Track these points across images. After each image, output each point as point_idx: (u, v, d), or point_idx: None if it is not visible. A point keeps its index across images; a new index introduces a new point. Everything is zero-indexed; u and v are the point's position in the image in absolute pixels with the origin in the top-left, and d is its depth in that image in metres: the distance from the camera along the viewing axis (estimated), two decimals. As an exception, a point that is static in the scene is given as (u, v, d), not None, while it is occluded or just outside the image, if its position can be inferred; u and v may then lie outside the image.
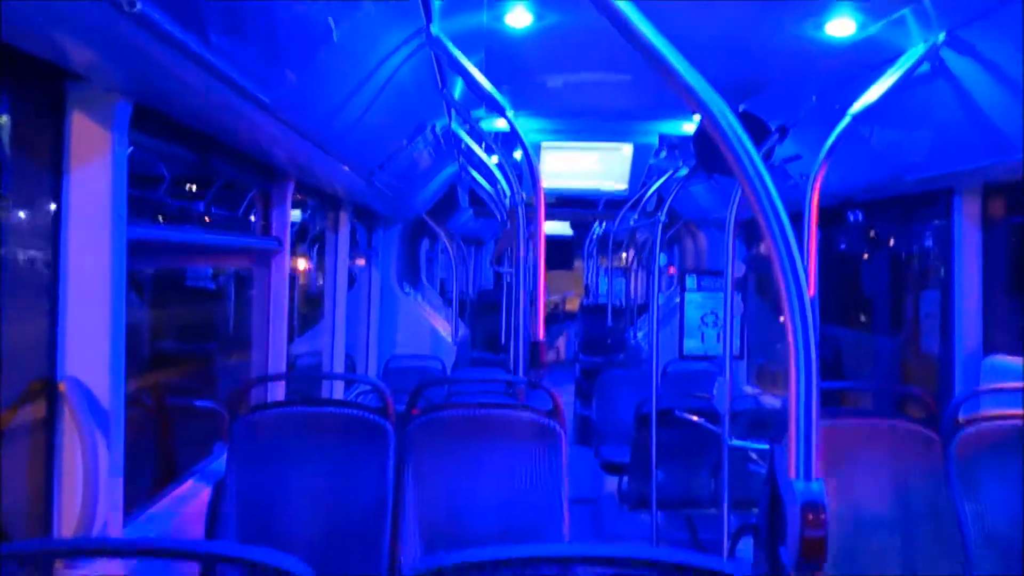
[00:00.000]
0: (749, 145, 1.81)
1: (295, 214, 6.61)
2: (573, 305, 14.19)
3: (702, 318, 5.30)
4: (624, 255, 13.69)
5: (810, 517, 1.56)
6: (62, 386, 2.32)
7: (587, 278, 15.23)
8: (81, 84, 2.35)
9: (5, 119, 2.81)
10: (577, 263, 16.49)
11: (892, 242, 5.58)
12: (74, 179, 2.39)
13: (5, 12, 1.80)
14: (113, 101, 2.39)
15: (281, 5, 2.55)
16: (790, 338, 1.64)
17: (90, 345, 2.36)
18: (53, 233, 2.37)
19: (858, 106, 3.78)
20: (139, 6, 1.83)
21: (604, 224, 13.22)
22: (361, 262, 7.65)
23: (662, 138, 6.08)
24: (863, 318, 5.83)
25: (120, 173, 2.43)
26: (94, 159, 2.40)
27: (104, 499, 2.34)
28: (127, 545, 1.90)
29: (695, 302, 5.35)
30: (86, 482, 2.27)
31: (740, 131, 1.79)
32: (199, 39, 2.22)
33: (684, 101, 1.87)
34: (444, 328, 8.39)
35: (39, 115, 2.36)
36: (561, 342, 15.60)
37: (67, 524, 2.33)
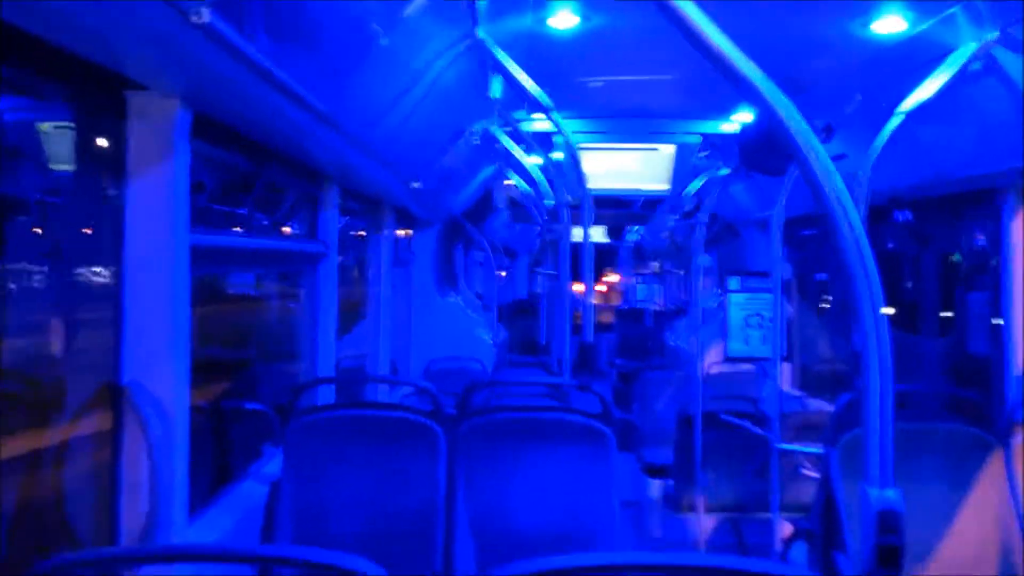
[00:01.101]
0: (813, 138, 1.80)
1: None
2: (605, 317, 14.04)
3: (746, 319, 5.25)
4: (656, 263, 13.68)
5: (886, 525, 1.54)
6: (127, 391, 2.36)
7: (621, 284, 15.22)
8: (143, 93, 2.38)
9: (47, 127, 2.86)
10: (607, 270, 16.45)
11: (940, 242, 5.50)
12: (136, 186, 2.43)
13: (68, 21, 1.84)
14: (174, 109, 2.43)
15: (333, 13, 2.58)
16: (863, 339, 1.63)
17: (154, 350, 2.40)
18: (116, 240, 2.41)
19: (909, 104, 3.75)
20: (207, 16, 1.86)
21: (637, 229, 13.21)
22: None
23: (705, 137, 6.05)
24: (910, 319, 5.75)
25: (181, 180, 2.47)
26: (155, 166, 2.44)
27: (169, 501, 2.38)
28: (193, 551, 1.93)
29: (739, 303, 5.31)
30: (152, 485, 2.31)
31: (804, 124, 1.78)
32: (257, 47, 2.25)
33: (740, 96, 1.86)
34: (482, 331, 8.41)
35: (102, 123, 2.40)
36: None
37: (133, 527, 2.37)
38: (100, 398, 2.38)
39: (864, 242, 1.62)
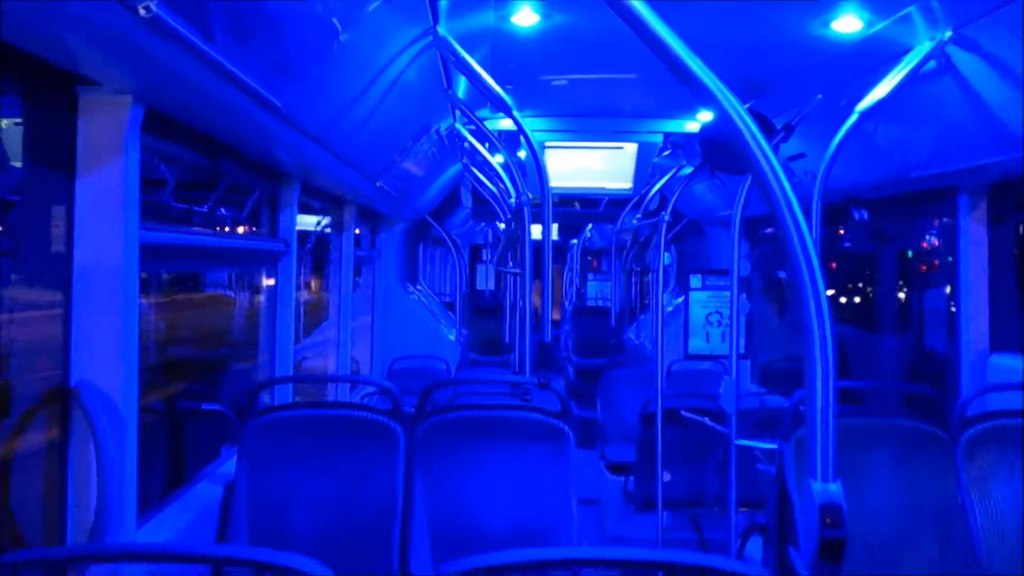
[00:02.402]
0: (763, 142, 1.81)
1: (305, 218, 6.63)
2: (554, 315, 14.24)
3: (707, 317, 5.30)
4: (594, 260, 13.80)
5: (828, 518, 1.56)
6: (76, 391, 2.32)
7: (568, 283, 15.34)
8: (93, 89, 2.35)
9: (7, 123, 2.81)
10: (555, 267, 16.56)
11: (898, 240, 5.58)
12: (86, 184, 2.39)
13: (17, 16, 1.80)
14: (125, 105, 2.39)
15: (291, 8, 2.56)
16: (807, 338, 1.65)
17: (103, 350, 2.36)
18: (66, 238, 2.38)
19: (865, 103, 3.79)
20: (154, 9, 1.83)
21: (591, 228, 13.31)
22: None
23: (667, 136, 6.08)
24: (869, 316, 5.83)
25: (132, 177, 2.44)
26: (106, 163, 2.40)
27: (117, 502, 2.35)
28: (143, 550, 1.90)
29: (700, 301, 5.35)
30: (100, 485, 2.27)
31: (754, 128, 1.80)
32: (211, 42, 2.22)
33: (695, 99, 1.87)
34: (447, 329, 8.39)
35: (51, 119, 2.36)
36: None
37: (81, 527, 2.33)
38: (48, 398, 2.34)
39: (810, 244, 1.65)
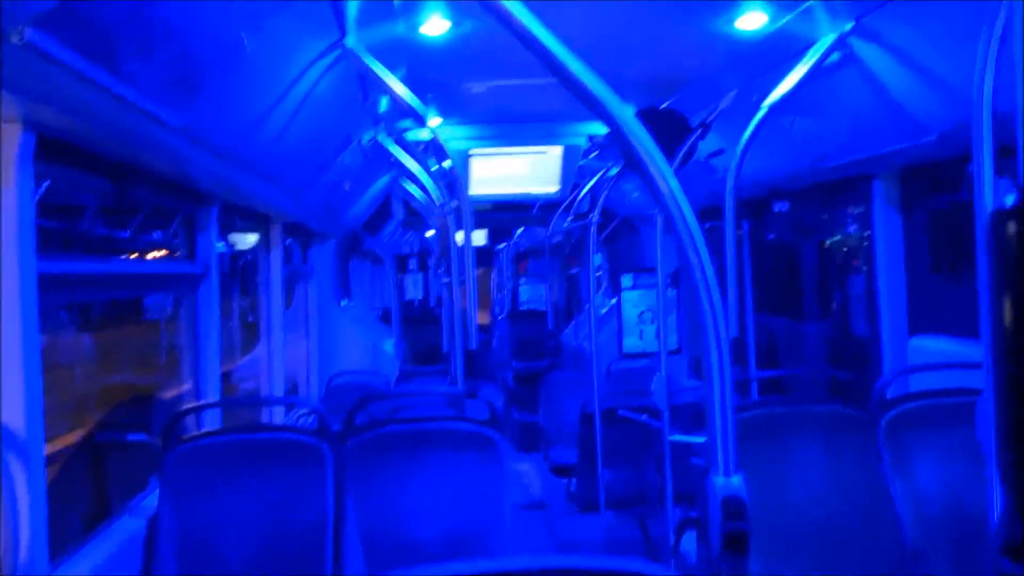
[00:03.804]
0: (651, 145, 1.82)
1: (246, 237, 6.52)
2: (482, 319, 14.19)
3: (640, 315, 5.33)
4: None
5: (731, 510, 1.57)
6: (-24, 428, 2.24)
7: (498, 286, 15.36)
8: (-24, 116, 2.27)
9: None
10: (480, 271, 16.56)
11: (819, 230, 5.69)
12: (-24, 215, 2.31)
13: None
14: (14, 133, 2.32)
15: (189, 23, 2.50)
16: (703, 333, 1.66)
17: (4, 384, 2.28)
18: (-42, 273, 2.29)
19: (773, 98, 3.85)
20: (27, 36, 1.78)
21: (521, 231, 13.34)
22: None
23: (591, 139, 6.12)
24: (795, 306, 5.93)
25: (25, 207, 2.36)
26: (-3, 193, 2.32)
27: (27, 540, 2.27)
28: None
29: (632, 300, 5.38)
30: (5, 524, 2.19)
31: (642, 132, 1.80)
32: (99, 64, 2.17)
33: (584, 106, 1.86)
34: (383, 343, 8.32)
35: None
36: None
37: (-12, 571, 2.25)
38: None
39: (700, 241, 1.67)
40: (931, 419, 3.26)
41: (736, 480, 1.60)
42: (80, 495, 3.42)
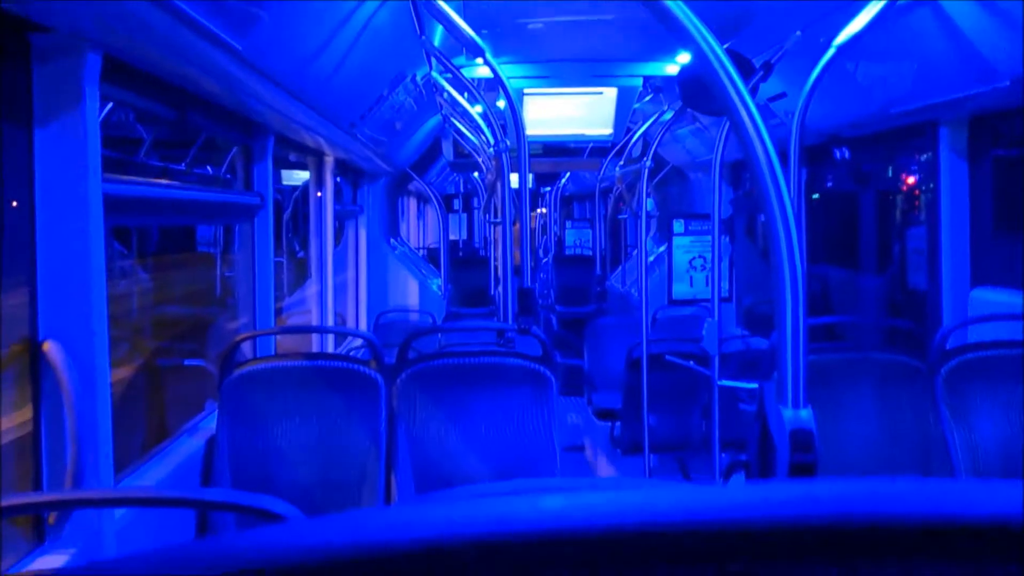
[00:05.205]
0: (739, 82, 1.77)
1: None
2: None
3: (690, 262, 5.28)
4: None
5: (799, 443, 1.56)
6: (46, 346, 2.29)
7: (542, 231, 15.26)
8: (47, 35, 2.28)
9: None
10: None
11: (879, 179, 5.56)
12: (44, 135, 2.33)
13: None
14: (81, 52, 2.33)
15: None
16: (778, 275, 1.63)
17: (70, 304, 2.33)
18: (28, 192, 2.32)
19: (842, 37, 3.72)
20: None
21: (568, 176, 13.19)
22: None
23: (646, 80, 6.00)
24: (852, 256, 5.82)
25: (93, 127, 2.38)
26: (64, 113, 2.34)
27: (93, 457, 2.33)
28: (115, 496, 1.89)
29: (683, 246, 5.32)
30: (74, 442, 2.25)
31: (731, 68, 1.76)
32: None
33: (673, 39, 1.82)
34: (430, 282, 8.37)
35: (3, 68, 2.29)
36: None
37: (56, 485, 2.32)
38: (15, 354, 2.31)
39: (783, 184, 1.62)
40: (991, 370, 3.20)
41: (805, 413, 1.59)
42: (141, 416, 3.51)
